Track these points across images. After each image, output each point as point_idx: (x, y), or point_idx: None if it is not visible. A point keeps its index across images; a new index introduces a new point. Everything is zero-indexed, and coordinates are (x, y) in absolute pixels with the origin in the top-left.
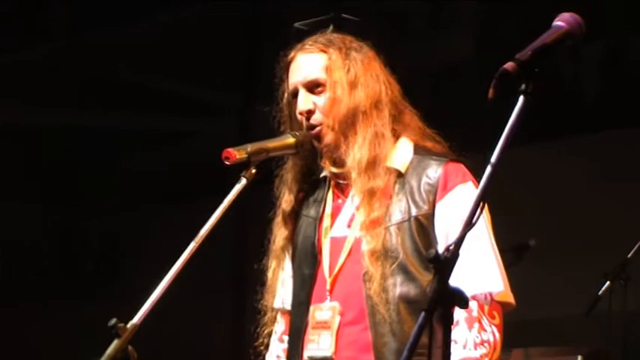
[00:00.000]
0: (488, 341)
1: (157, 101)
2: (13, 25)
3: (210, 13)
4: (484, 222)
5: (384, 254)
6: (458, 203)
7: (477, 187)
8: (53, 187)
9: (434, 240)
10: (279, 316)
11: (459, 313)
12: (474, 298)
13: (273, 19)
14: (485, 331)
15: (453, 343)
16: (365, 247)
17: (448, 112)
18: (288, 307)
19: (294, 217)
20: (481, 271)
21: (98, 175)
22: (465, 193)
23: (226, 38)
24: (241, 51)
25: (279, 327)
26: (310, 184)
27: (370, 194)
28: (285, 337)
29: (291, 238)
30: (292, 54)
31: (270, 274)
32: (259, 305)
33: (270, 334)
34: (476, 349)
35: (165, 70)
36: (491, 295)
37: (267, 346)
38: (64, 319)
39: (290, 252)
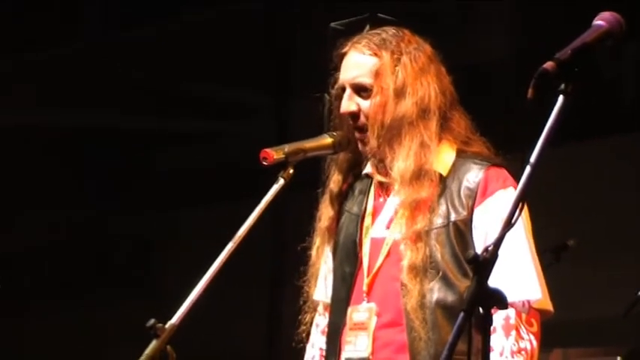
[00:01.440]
0: (525, 349)
1: (191, 103)
2: (44, 25)
3: (240, 13)
4: (523, 227)
5: (423, 270)
6: (497, 209)
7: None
8: (86, 187)
9: (471, 245)
10: (321, 309)
11: (496, 320)
12: (511, 305)
13: (307, 18)
14: (522, 339)
15: (492, 352)
16: (405, 261)
17: (482, 111)
18: (329, 300)
19: (340, 199)
20: (519, 278)
21: (134, 175)
22: (505, 198)
23: (259, 37)
24: (275, 50)
25: (322, 320)
26: (355, 176)
27: (414, 206)
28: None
29: (336, 221)
30: (347, 47)
31: (313, 252)
32: (301, 284)
33: (309, 322)
34: (513, 357)
35: (198, 70)
36: (529, 302)
37: (307, 335)
38: (100, 318)
39: (332, 239)
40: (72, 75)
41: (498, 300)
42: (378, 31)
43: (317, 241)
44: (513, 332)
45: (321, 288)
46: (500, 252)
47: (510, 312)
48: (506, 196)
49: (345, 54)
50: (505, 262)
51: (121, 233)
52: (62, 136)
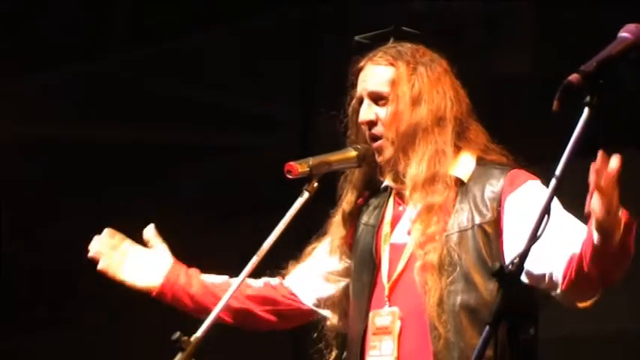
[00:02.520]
0: None
1: (215, 115)
2: (73, 38)
3: (265, 26)
4: (559, 207)
5: (439, 268)
6: (529, 197)
7: (545, 187)
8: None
9: (498, 247)
10: (275, 284)
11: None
12: None
13: (332, 31)
14: None
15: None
16: (419, 262)
17: (506, 125)
18: (299, 294)
19: (352, 218)
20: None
21: (159, 188)
22: (536, 187)
23: (283, 51)
24: (299, 64)
25: (276, 280)
26: (372, 192)
27: (427, 210)
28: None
29: (347, 240)
30: (363, 62)
31: (313, 252)
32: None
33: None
34: None
35: (222, 83)
36: None
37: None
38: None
39: (344, 255)
40: (97, 88)
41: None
42: (394, 45)
43: (323, 246)
44: None
45: (295, 276)
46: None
47: None
48: (536, 184)
49: (361, 68)
50: (561, 229)
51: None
52: (88, 144)
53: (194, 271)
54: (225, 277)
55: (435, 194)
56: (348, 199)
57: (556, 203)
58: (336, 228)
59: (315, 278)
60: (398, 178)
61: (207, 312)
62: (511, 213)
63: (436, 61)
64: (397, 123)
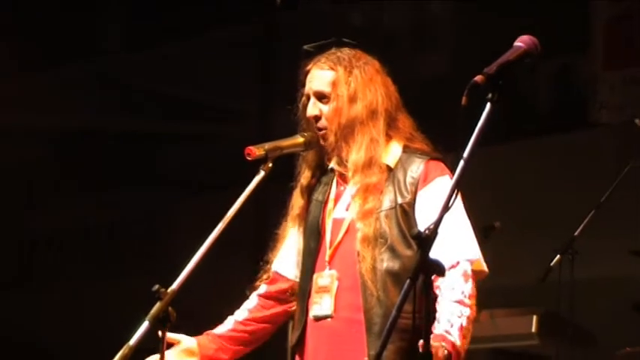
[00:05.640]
0: (475, 295)
1: (194, 110)
2: (69, 42)
3: (236, 35)
4: (461, 207)
5: (374, 239)
6: (436, 192)
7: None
8: (116, 179)
9: (415, 223)
10: (270, 277)
11: (457, 270)
12: (460, 261)
13: (286, 42)
14: (474, 287)
15: (450, 290)
16: (359, 234)
17: (428, 118)
18: (283, 273)
19: (309, 191)
20: (463, 241)
21: (146, 168)
22: (443, 184)
23: (248, 56)
24: (261, 67)
25: (264, 287)
26: (322, 173)
27: (365, 189)
28: (261, 298)
29: (305, 209)
30: (310, 65)
31: (284, 231)
32: (267, 257)
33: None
34: (470, 299)
35: (200, 83)
36: (470, 261)
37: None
38: (116, 289)
39: (302, 223)
40: (99, 85)
41: (437, 269)
42: (335, 51)
43: (288, 224)
44: (470, 280)
45: (281, 261)
46: (440, 230)
47: (466, 265)
48: (443, 181)
49: (309, 71)
50: (450, 231)
51: (136, 218)
52: (99, 135)
53: (209, 334)
54: (229, 317)
55: (372, 176)
56: (305, 175)
57: (459, 203)
58: (296, 199)
59: (294, 254)
60: (341, 162)
61: (237, 352)
62: (422, 204)
63: (370, 64)
64: (338, 117)
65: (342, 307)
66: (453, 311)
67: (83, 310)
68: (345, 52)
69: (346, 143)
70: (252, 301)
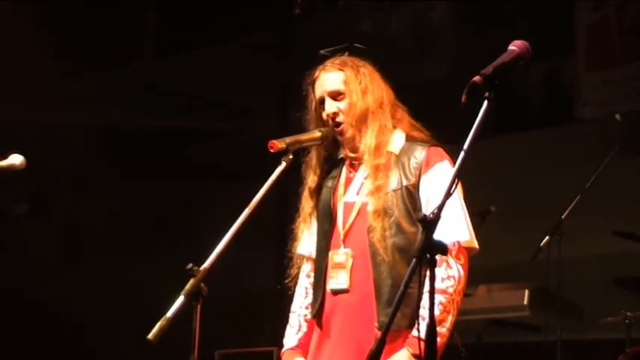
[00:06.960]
0: (453, 276)
1: (223, 109)
2: (108, 48)
3: (259, 42)
4: (459, 193)
5: (383, 212)
6: (437, 176)
7: (452, 166)
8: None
9: (418, 203)
10: (305, 260)
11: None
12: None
13: (303, 48)
14: (451, 268)
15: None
16: (370, 207)
17: (433, 115)
18: (312, 254)
19: (317, 191)
20: (452, 225)
21: (181, 160)
22: (443, 169)
23: (271, 61)
24: (281, 70)
25: (306, 266)
26: (329, 166)
27: (376, 168)
28: (312, 274)
29: (316, 206)
30: (317, 73)
31: (299, 233)
32: (289, 253)
33: (295, 274)
34: (443, 281)
35: (229, 85)
36: (459, 242)
37: (295, 280)
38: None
39: (315, 216)
40: (134, 88)
41: (440, 249)
42: (334, 58)
43: (301, 225)
44: (444, 264)
45: (304, 244)
46: (442, 214)
47: (454, 247)
48: (443, 166)
49: (316, 78)
50: (445, 217)
51: (172, 204)
52: (129, 134)
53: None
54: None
55: (381, 157)
56: (311, 178)
57: (458, 191)
58: (305, 201)
59: (313, 235)
60: (354, 149)
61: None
62: (424, 187)
63: (367, 65)
64: (353, 110)
65: (357, 282)
66: (424, 305)
67: (125, 288)
68: (345, 57)
69: (359, 132)
70: (300, 289)
